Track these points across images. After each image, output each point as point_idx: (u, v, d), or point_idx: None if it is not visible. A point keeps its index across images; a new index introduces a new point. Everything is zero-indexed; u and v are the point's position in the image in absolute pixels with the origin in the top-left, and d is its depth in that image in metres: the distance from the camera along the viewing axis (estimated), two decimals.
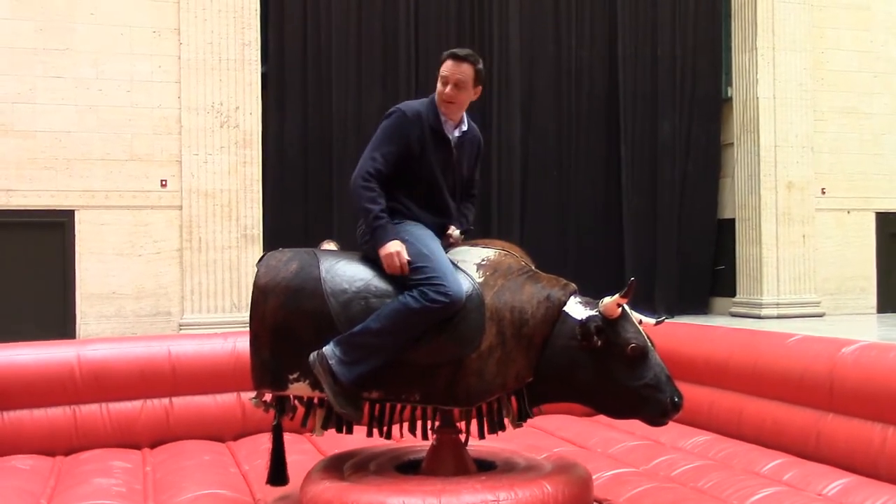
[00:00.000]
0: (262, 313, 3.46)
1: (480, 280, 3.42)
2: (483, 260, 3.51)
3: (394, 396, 3.48)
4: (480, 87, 3.66)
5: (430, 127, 3.56)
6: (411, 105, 3.63)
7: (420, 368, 3.36)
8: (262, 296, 3.47)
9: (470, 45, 12.03)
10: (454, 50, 3.62)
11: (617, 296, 3.31)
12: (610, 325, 3.30)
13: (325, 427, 3.60)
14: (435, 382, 3.36)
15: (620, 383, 3.30)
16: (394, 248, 3.38)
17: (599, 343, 3.28)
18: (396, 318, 3.30)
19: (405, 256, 3.37)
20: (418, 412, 3.65)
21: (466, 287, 3.37)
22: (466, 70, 3.56)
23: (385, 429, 3.68)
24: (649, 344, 3.35)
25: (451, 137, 3.63)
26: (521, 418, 3.54)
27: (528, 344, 3.36)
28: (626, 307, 3.37)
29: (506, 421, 3.56)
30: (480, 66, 3.62)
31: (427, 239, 3.48)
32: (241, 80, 10.42)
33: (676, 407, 3.32)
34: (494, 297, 3.38)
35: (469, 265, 3.48)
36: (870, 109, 13.32)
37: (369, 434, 3.67)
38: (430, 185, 3.60)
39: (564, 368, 3.35)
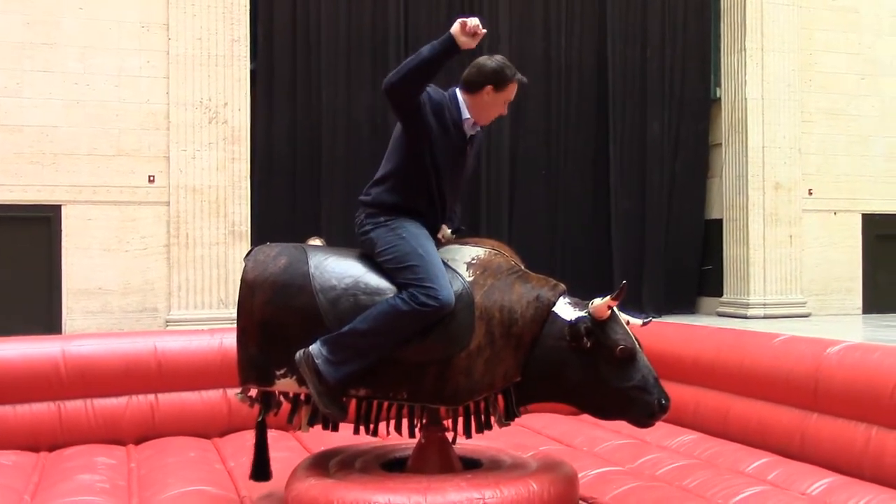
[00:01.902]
0: (249, 308, 3.44)
1: (470, 279, 3.42)
2: (473, 259, 3.51)
3: (381, 394, 3.47)
4: None
5: (451, 119, 3.52)
6: (433, 90, 3.55)
7: (408, 367, 3.36)
8: (250, 291, 3.45)
9: None
10: (518, 73, 3.57)
11: (608, 298, 3.31)
12: (599, 327, 3.31)
13: (311, 424, 3.59)
14: (423, 381, 3.35)
15: (609, 384, 3.31)
16: (458, 22, 3.32)
17: (589, 344, 3.28)
18: (385, 319, 3.29)
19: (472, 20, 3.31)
20: (405, 410, 3.64)
21: (456, 286, 3.36)
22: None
23: (372, 426, 3.67)
24: (637, 345, 3.36)
25: (467, 134, 3.61)
26: (508, 417, 3.54)
27: (516, 344, 3.36)
28: (615, 308, 3.38)
29: (492, 419, 3.56)
30: None
31: (422, 238, 3.45)
32: (229, 76, 10.39)
33: (663, 409, 3.33)
34: (484, 297, 3.38)
35: (459, 264, 3.48)
36: (857, 111, 13.40)
37: (356, 431, 3.66)
38: (438, 178, 3.53)
39: (553, 369, 3.36)
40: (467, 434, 3.62)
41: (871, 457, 3.94)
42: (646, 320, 3.55)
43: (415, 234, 3.45)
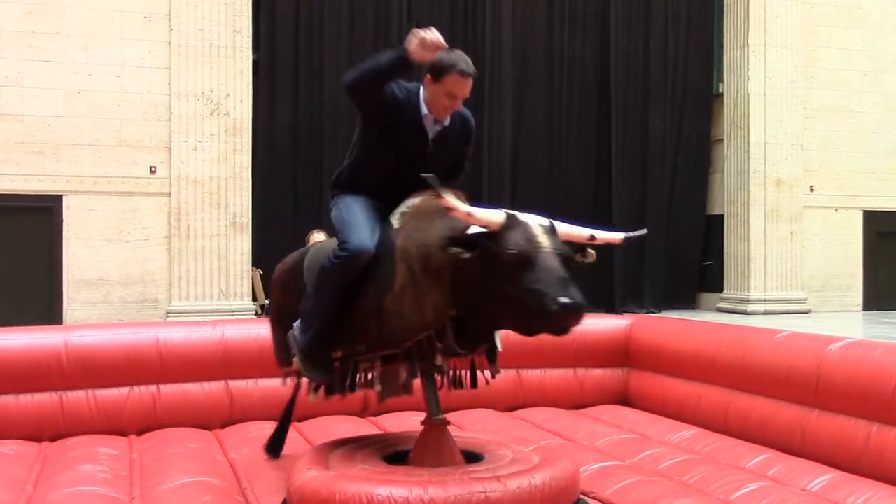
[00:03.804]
0: (272, 301, 4.13)
1: (398, 226, 3.48)
2: (408, 207, 3.54)
3: (350, 351, 3.58)
4: None
5: (410, 116, 3.52)
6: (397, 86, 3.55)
7: (357, 319, 3.50)
8: (273, 286, 4.09)
9: (462, 36, 12.03)
10: (461, 65, 3.45)
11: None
12: (491, 236, 3.14)
13: (315, 391, 3.79)
14: (369, 329, 3.47)
15: (506, 292, 3.14)
16: (417, 37, 3.30)
17: (473, 253, 3.13)
18: (318, 280, 3.55)
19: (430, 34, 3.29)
20: (401, 370, 3.70)
21: (385, 235, 3.46)
22: (470, 85, 3.51)
23: (350, 384, 3.68)
24: (540, 249, 3.10)
25: (428, 131, 3.58)
26: (447, 354, 3.46)
27: (437, 277, 3.30)
28: (525, 218, 3.18)
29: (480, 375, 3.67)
30: None
31: (352, 205, 3.58)
32: (231, 67, 10.38)
33: (565, 308, 3.00)
34: (406, 239, 3.42)
35: (395, 215, 3.54)
36: (859, 108, 13.39)
37: (329, 393, 3.73)
38: (391, 173, 3.58)
39: (470, 291, 3.27)
40: (451, 387, 3.73)
41: (871, 453, 3.94)
42: (629, 235, 3.46)
43: (346, 203, 3.61)
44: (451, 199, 3.15)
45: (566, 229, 3.31)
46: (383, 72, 3.38)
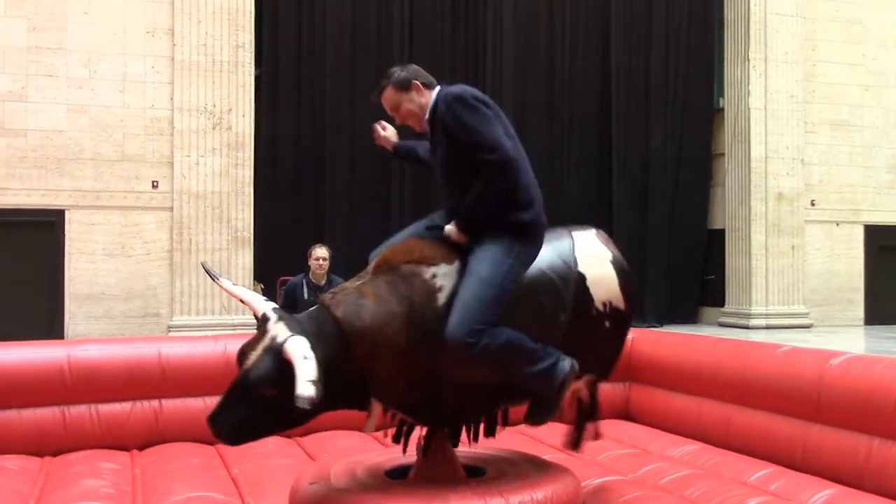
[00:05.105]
0: None
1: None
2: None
3: None
4: (415, 83, 3.50)
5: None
6: None
7: None
8: None
9: (463, 54, 12.08)
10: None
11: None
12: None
13: None
14: None
15: None
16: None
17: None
18: None
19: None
20: None
21: None
22: (387, 95, 3.53)
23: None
24: (244, 364, 3.06)
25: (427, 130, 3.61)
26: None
27: None
28: (277, 330, 3.01)
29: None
30: (395, 75, 3.54)
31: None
32: (234, 82, 10.43)
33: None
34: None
35: None
36: (860, 122, 13.42)
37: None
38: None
39: None
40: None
41: (872, 468, 3.94)
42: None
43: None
44: (225, 283, 3.27)
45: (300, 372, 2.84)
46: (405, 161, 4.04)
